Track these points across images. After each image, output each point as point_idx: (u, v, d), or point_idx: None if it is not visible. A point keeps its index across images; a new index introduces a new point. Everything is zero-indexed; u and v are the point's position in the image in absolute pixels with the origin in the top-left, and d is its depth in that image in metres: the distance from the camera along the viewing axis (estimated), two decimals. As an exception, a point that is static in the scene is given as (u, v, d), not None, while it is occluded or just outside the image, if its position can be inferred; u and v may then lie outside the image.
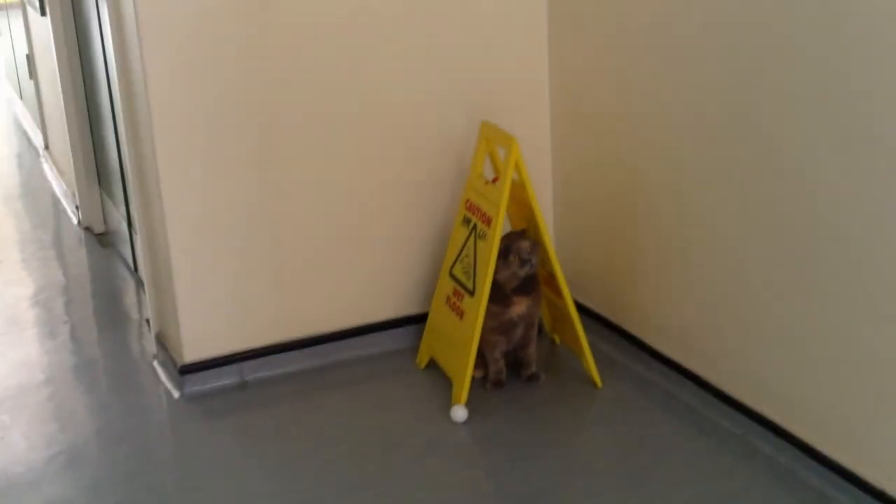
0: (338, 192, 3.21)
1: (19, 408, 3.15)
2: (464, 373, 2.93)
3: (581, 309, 3.39)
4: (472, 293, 2.96)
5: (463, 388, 2.93)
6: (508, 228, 3.25)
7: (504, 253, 2.91)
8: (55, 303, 3.99)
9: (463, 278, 3.03)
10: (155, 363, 3.36)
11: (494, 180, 2.98)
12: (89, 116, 4.65)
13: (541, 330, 3.31)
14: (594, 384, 3.07)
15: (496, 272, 2.91)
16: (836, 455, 2.48)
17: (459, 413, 2.90)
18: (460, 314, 3.02)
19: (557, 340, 3.34)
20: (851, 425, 2.43)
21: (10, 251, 4.65)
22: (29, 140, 6.78)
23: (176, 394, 3.17)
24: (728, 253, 2.71)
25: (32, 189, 5.72)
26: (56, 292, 4.11)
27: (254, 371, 3.22)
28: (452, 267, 3.12)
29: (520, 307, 2.98)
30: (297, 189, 3.15)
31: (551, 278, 3.07)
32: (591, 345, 3.13)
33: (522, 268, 2.92)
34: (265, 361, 3.24)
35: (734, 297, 2.72)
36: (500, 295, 2.95)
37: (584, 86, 3.24)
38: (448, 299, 3.11)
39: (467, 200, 3.10)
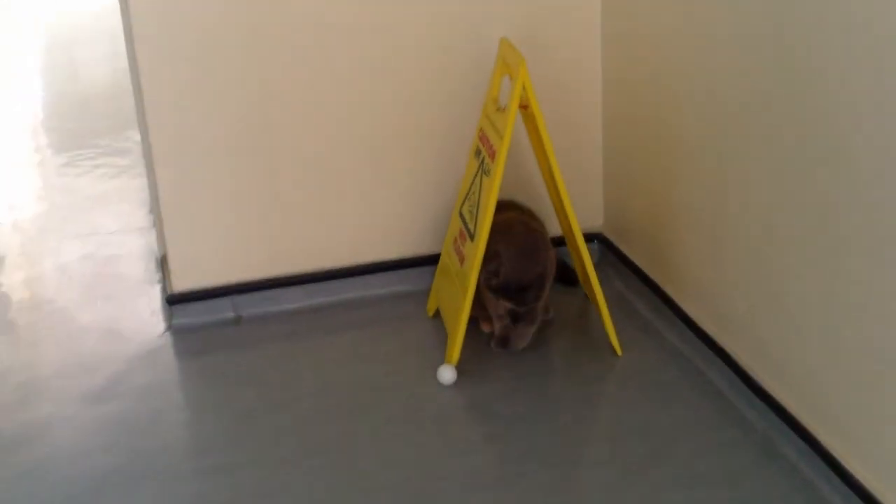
0: (349, 111, 2.86)
1: (8, 324, 2.99)
2: (457, 327, 2.56)
3: (623, 260, 2.98)
4: (472, 237, 2.58)
5: (455, 346, 2.57)
6: (529, 169, 2.85)
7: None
8: (91, 214, 3.81)
9: (468, 218, 2.65)
10: (159, 289, 3.12)
11: (519, 108, 2.56)
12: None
13: (574, 280, 2.91)
14: (614, 351, 2.66)
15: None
16: (866, 476, 2.02)
17: (446, 375, 2.55)
18: (461, 259, 2.65)
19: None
20: (887, 446, 1.97)
21: (68, 154, 4.50)
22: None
23: (163, 325, 2.92)
24: (771, 228, 2.23)
25: (116, 93, 5.55)
26: (97, 202, 3.92)
27: (250, 306, 2.94)
28: (462, 205, 2.74)
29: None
30: (302, 105, 2.82)
31: (569, 232, 2.65)
32: (627, 302, 2.80)
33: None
34: (263, 296, 2.95)
35: (775, 277, 2.25)
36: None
37: (641, 8, 2.76)
38: (455, 241, 2.74)
39: (480, 129, 2.71)
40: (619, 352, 2.64)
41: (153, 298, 3.07)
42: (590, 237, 3.06)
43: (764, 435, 2.29)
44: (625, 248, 3.02)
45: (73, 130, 4.92)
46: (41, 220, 3.81)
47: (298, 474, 2.25)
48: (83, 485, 2.25)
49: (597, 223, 3.13)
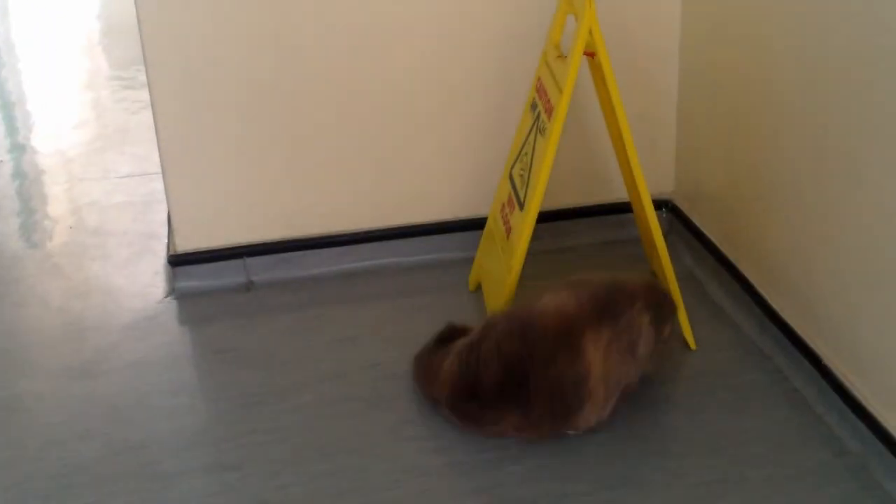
0: (384, 46, 2.45)
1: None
2: (499, 308, 2.18)
3: (695, 232, 2.57)
4: (521, 206, 2.19)
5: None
6: (593, 125, 2.45)
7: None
8: (105, 154, 3.47)
9: (518, 182, 2.26)
10: (165, 247, 2.77)
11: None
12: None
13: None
14: (687, 344, 2.27)
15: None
16: None
17: None
18: (508, 230, 2.26)
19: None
20: None
21: (92, 89, 4.16)
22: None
23: (163, 288, 2.57)
24: (889, 214, 1.81)
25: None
26: (112, 141, 3.58)
27: (263, 270, 2.59)
28: (513, 165, 2.35)
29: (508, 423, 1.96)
30: (331, 37, 2.42)
31: (637, 199, 2.25)
32: (697, 283, 2.45)
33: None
34: (279, 259, 2.59)
35: (889, 273, 1.83)
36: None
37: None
38: (503, 207, 2.36)
39: (538, 79, 2.30)
40: (692, 345, 2.25)
41: (158, 258, 2.72)
42: (658, 204, 2.66)
43: (859, 460, 1.89)
44: (697, 219, 2.61)
45: (111, 58, 4.61)
46: (50, 159, 3.47)
47: (299, 482, 1.90)
48: (47, 480, 1.92)
49: (666, 188, 2.72)
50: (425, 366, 2.08)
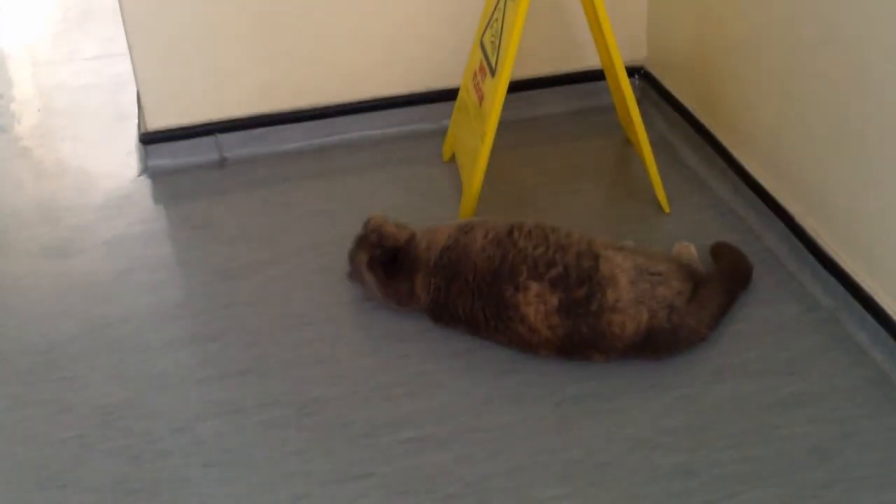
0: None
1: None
2: (473, 176, 2.19)
3: (668, 99, 2.57)
4: (493, 72, 2.17)
5: (470, 198, 2.20)
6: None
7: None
8: (70, 35, 3.41)
9: (489, 49, 2.24)
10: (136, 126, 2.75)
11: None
12: None
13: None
14: (661, 207, 2.28)
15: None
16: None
17: None
18: (480, 97, 2.25)
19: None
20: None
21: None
22: None
23: (136, 167, 2.56)
24: (859, 68, 1.80)
25: None
26: (76, 23, 3.52)
27: (236, 146, 2.58)
28: (484, 32, 2.32)
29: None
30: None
31: (609, 65, 2.24)
32: (671, 147, 2.46)
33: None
34: (251, 135, 2.58)
35: (856, 130, 1.83)
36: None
37: None
38: (474, 75, 2.34)
39: (507, -60, 2.26)
40: (666, 209, 2.26)
41: (130, 137, 2.70)
42: (630, 71, 2.63)
43: (831, 313, 1.92)
44: (670, 85, 2.60)
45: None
46: (13, 44, 3.41)
47: (277, 350, 1.92)
48: (29, 357, 1.93)
49: (639, 55, 2.71)
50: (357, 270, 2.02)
